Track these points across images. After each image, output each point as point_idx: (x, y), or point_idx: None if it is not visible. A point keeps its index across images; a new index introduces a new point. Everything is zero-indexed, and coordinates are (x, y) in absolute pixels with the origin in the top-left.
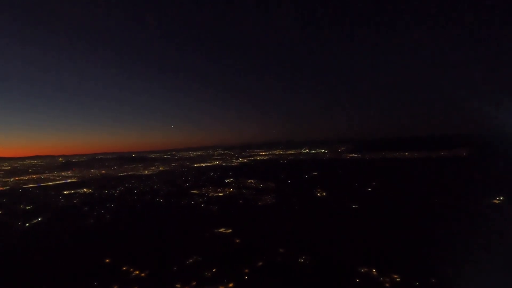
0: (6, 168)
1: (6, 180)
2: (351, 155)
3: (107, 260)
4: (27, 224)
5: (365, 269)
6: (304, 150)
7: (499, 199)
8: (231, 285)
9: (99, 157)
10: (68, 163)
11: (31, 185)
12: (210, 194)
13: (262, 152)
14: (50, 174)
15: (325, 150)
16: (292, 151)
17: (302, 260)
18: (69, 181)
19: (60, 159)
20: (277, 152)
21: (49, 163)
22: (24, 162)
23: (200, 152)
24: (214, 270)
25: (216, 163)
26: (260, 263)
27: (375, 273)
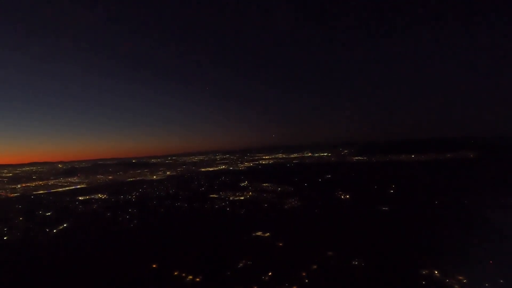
0: (8, 175)
1: (13, 186)
2: (356, 158)
3: (154, 265)
4: (54, 231)
5: (426, 271)
6: (307, 153)
7: None
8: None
9: (100, 163)
10: (71, 169)
11: (41, 191)
12: (231, 198)
13: (265, 156)
14: (57, 180)
15: (328, 153)
16: (295, 155)
17: (356, 263)
18: (78, 187)
19: (60, 165)
20: (280, 156)
21: (50, 169)
22: (24, 169)
23: (201, 157)
24: (270, 274)
25: (223, 168)
26: (315, 266)
27: (438, 274)
